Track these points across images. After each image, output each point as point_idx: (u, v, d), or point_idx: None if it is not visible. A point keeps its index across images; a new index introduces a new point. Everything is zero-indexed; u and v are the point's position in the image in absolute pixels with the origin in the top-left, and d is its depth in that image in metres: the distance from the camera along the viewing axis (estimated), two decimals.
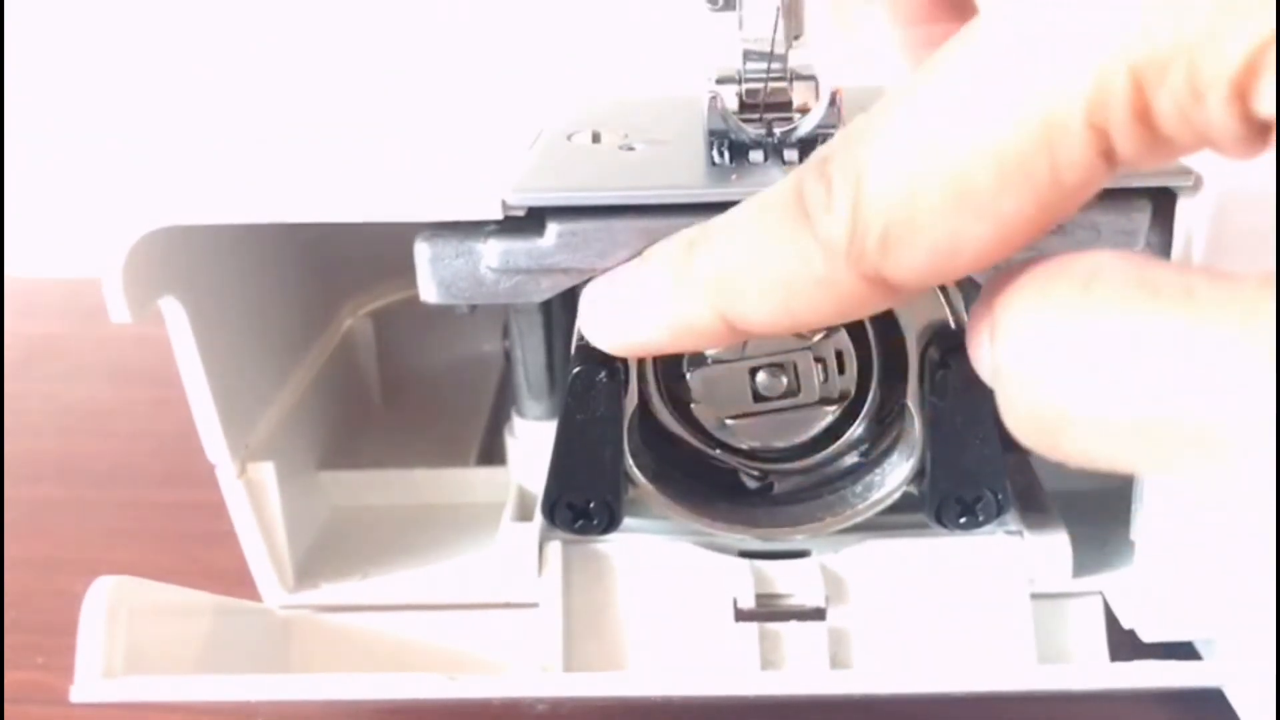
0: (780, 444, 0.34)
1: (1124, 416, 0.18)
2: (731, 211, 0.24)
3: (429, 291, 0.31)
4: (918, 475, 0.34)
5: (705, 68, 0.32)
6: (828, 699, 0.35)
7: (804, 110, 0.31)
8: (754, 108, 0.31)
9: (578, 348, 0.33)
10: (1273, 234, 0.28)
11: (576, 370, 0.32)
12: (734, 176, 0.30)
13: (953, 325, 0.32)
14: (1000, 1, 0.19)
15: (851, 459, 0.35)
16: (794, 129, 0.31)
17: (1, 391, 0.61)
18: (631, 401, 0.33)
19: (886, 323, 0.33)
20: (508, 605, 0.36)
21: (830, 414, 0.33)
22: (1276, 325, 0.16)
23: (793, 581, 0.35)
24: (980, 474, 0.33)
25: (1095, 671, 0.34)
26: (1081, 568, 0.35)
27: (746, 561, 0.36)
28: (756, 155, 0.31)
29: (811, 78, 0.31)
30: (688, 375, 0.33)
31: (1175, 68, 0.17)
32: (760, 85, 0.31)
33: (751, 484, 0.36)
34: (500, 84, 0.42)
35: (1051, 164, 0.19)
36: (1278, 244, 0.28)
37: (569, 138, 0.34)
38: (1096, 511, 0.36)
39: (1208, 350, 0.17)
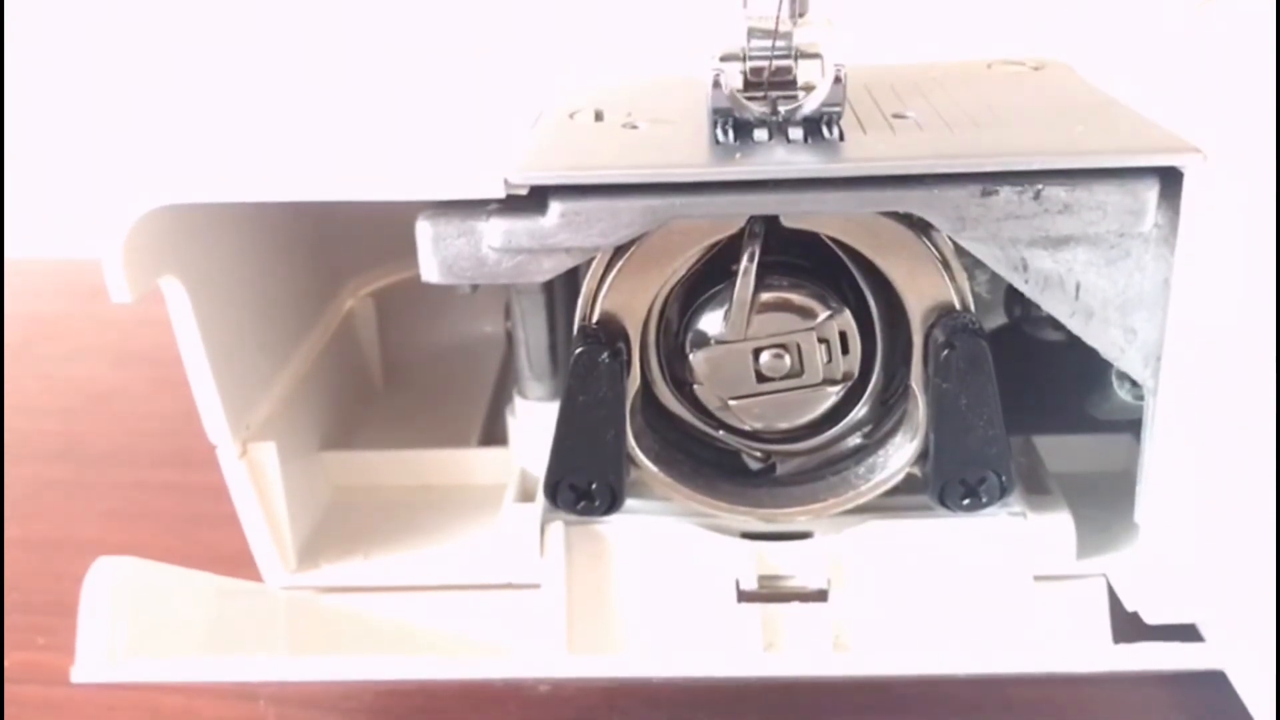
0: (783, 425, 0.34)
1: None
2: None
3: (431, 271, 0.31)
4: (921, 457, 0.34)
5: (709, 46, 0.31)
6: (830, 681, 0.35)
7: (809, 88, 0.31)
8: (758, 86, 0.31)
9: (580, 328, 0.32)
10: (1273, 212, 0.28)
11: (579, 351, 0.32)
12: (738, 155, 0.30)
13: (957, 306, 0.32)
14: None
15: (855, 440, 0.35)
16: (799, 107, 0.31)
17: (1, 373, 0.61)
18: (634, 383, 0.33)
19: (890, 303, 0.33)
20: (509, 586, 0.36)
21: (833, 395, 0.33)
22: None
23: (795, 563, 0.35)
24: (984, 455, 0.32)
25: (1098, 654, 0.34)
26: (1085, 550, 0.35)
27: (749, 543, 0.36)
28: (761, 134, 0.31)
29: (816, 55, 0.31)
30: (690, 356, 0.33)
31: None
32: (765, 63, 0.31)
33: (754, 465, 0.36)
34: (502, 62, 0.42)
35: None
36: (1278, 237, 0.28)
37: (571, 116, 0.34)
38: (1100, 493, 0.36)
39: None
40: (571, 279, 0.34)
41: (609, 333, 0.32)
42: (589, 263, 0.32)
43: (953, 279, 0.32)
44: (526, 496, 0.37)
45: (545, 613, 0.35)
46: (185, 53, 0.71)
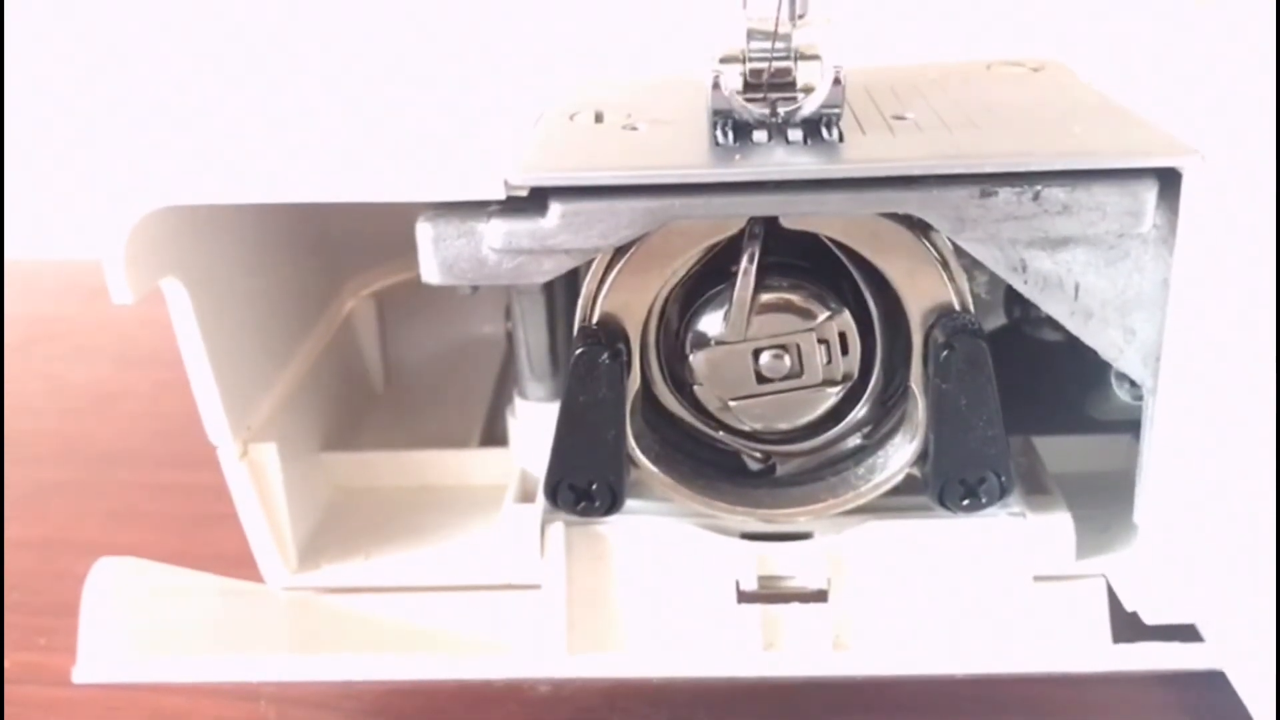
0: (783, 426, 0.34)
1: None
2: None
3: (431, 272, 0.31)
4: (921, 457, 0.34)
5: (709, 47, 0.31)
6: (829, 681, 0.35)
7: (808, 90, 0.31)
8: (758, 87, 0.31)
9: (580, 329, 0.33)
10: (1272, 212, 0.28)
11: (579, 352, 0.32)
12: (738, 156, 0.30)
13: (957, 307, 0.32)
14: None
15: (854, 441, 0.35)
16: (798, 109, 0.31)
17: (1, 373, 0.61)
18: (634, 383, 0.33)
19: (890, 304, 0.33)
20: (510, 587, 0.36)
21: (833, 396, 0.33)
22: None
23: (795, 563, 0.35)
24: (984, 456, 0.33)
25: (1098, 654, 0.34)
26: (1084, 550, 0.35)
27: (748, 543, 0.36)
28: (760, 135, 0.31)
29: (816, 57, 0.31)
30: (690, 357, 0.33)
31: None
32: (764, 65, 0.31)
33: (754, 466, 0.36)
34: (503, 63, 0.42)
35: None
36: (1277, 237, 0.28)
37: (572, 118, 0.34)
38: (1100, 493, 0.36)
39: None
40: (572, 280, 0.34)
41: (609, 333, 0.32)
42: (589, 264, 0.32)
43: (952, 280, 0.32)
44: (527, 497, 0.37)
45: (545, 613, 0.35)
46: (185, 53, 0.71)
